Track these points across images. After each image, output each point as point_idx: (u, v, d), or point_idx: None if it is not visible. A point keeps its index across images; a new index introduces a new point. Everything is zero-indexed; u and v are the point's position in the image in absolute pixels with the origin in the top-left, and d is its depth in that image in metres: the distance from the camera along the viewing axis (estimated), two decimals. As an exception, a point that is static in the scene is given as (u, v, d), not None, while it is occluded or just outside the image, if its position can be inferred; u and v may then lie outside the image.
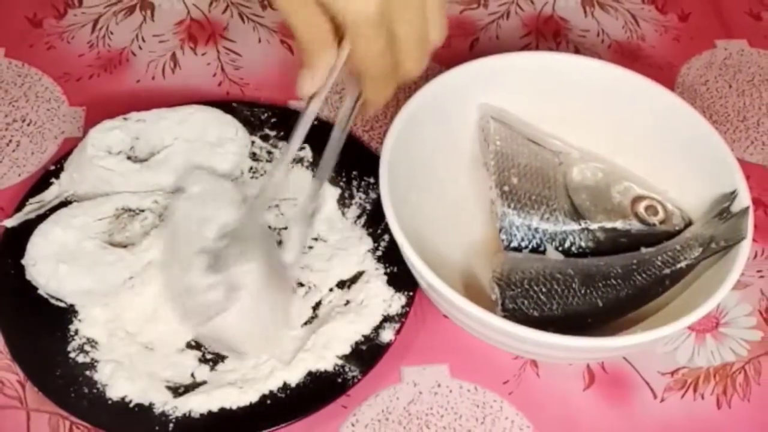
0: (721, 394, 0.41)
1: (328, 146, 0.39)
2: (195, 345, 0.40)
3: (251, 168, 0.46)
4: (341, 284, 0.42)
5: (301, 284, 0.42)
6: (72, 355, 0.39)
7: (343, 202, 0.45)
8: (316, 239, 0.44)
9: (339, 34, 0.34)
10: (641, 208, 0.43)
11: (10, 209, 0.43)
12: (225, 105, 0.47)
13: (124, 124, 0.44)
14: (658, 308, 0.40)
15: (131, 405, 0.37)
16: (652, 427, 0.40)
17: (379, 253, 0.43)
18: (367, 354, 0.39)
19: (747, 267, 0.38)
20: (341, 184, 0.46)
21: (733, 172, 0.41)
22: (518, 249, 0.42)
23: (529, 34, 0.56)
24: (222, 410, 0.37)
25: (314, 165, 0.46)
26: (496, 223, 0.43)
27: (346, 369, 0.39)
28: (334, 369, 0.39)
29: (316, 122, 0.48)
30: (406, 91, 0.51)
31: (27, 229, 0.41)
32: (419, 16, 0.34)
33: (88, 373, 0.38)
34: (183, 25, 0.55)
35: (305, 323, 0.41)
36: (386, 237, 0.43)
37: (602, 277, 0.40)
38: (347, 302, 0.41)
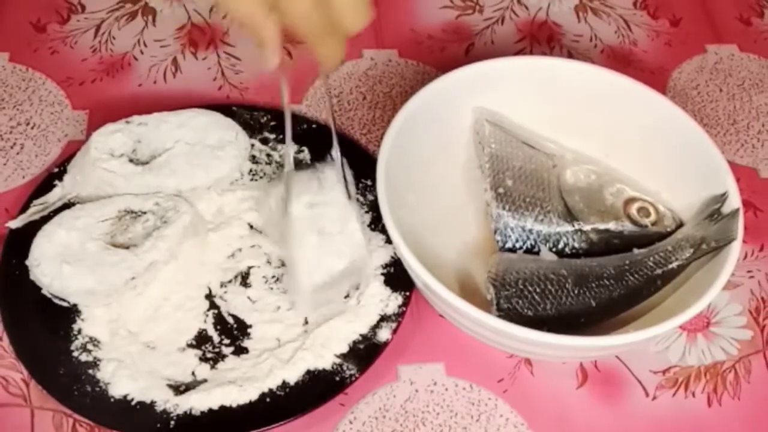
0: (712, 392, 0.42)
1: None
2: (196, 344, 0.41)
3: (251, 170, 0.47)
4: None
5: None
6: (75, 353, 0.39)
7: (341, 204, 0.46)
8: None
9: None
10: (633, 209, 0.44)
11: (15, 211, 0.44)
12: (225, 108, 0.48)
13: (127, 128, 0.45)
14: (650, 308, 0.41)
15: (133, 403, 0.38)
16: (644, 425, 0.40)
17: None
18: (365, 353, 0.40)
19: (737, 267, 0.39)
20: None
21: (724, 174, 0.42)
22: (513, 250, 0.43)
23: (524, 39, 0.57)
24: (222, 408, 0.38)
25: (312, 167, 0.47)
26: (491, 224, 0.43)
27: (344, 368, 0.39)
28: (332, 368, 0.39)
29: (314, 125, 0.49)
30: (403, 95, 0.52)
31: (31, 230, 0.41)
32: None
33: (90, 371, 0.39)
34: (184, 30, 0.55)
35: (305, 322, 0.42)
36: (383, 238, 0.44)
37: (595, 277, 0.41)
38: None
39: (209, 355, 0.40)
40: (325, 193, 0.41)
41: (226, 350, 0.41)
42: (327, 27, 0.34)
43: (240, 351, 0.40)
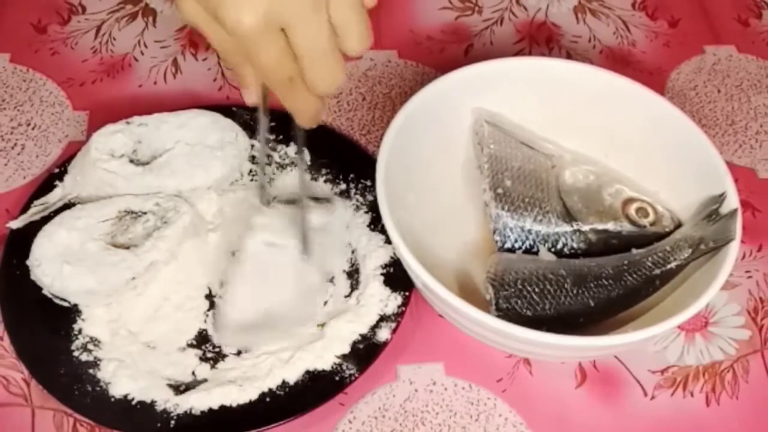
0: (710, 391, 0.42)
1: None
2: (196, 344, 0.41)
3: (251, 171, 0.47)
4: (339, 284, 0.43)
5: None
6: (76, 353, 0.39)
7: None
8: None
9: None
10: (632, 209, 0.44)
11: (16, 211, 0.44)
12: (225, 109, 0.48)
13: (127, 128, 0.45)
14: (648, 308, 0.41)
15: (134, 402, 0.38)
16: (643, 424, 0.41)
17: (376, 253, 0.44)
18: (364, 353, 0.40)
19: (735, 268, 0.39)
20: (339, 186, 0.47)
21: (722, 174, 0.42)
22: (512, 250, 0.43)
23: (523, 39, 0.57)
24: (222, 408, 0.38)
25: (312, 168, 0.47)
26: (490, 224, 0.43)
27: (344, 367, 0.39)
28: (332, 367, 0.39)
29: (314, 126, 0.49)
30: (402, 96, 0.53)
31: (32, 230, 0.41)
32: (316, 26, 0.30)
33: (91, 371, 0.39)
34: (184, 32, 0.55)
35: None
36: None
37: (594, 277, 0.41)
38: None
39: (209, 355, 0.40)
40: (287, 238, 0.41)
41: (226, 350, 0.41)
42: (297, 82, 0.32)
43: (240, 351, 0.41)
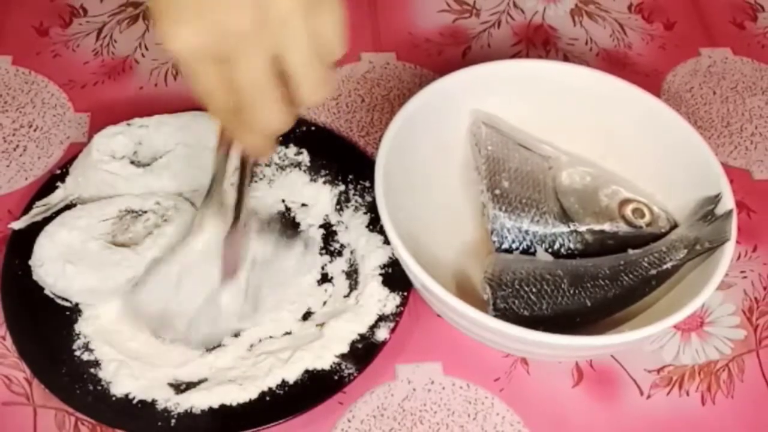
0: (706, 390, 0.42)
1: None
2: (196, 344, 0.41)
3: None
4: (338, 284, 0.44)
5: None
6: (77, 353, 0.40)
7: (340, 205, 0.47)
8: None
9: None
10: (628, 210, 0.44)
11: (18, 212, 0.44)
12: (225, 111, 0.48)
13: (128, 130, 0.46)
14: (644, 308, 0.41)
15: (135, 401, 0.38)
16: (639, 423, 0.41)
17: (374, 254, 0.44)
18: (363, 352, 0.40)
19: (731, 268, 0.39)
20: (338, 187, 0.47)
21: (717, 175, 0.42)
22: (509, 250, 0.43)
23: (520, 42, 0.57)
24: (222, 406, 0.38)
25: (311, 169, 0.48)
26: (487, 225, 0.44)
27: (343, 367, 0.40)
28: (331, 367, 0.40)
29: (313, 128, 0.50)
30: (400, 97, 0.53)
31: (34, 231, 0.42)
32: (256, 63, 0.28)
33: (92, 370, 0.39)
34: (184, 34, 0.56)
35: (305, 319, 0.42)
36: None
37: (590, 277, 0.41)
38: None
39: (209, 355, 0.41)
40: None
41: (226, 349, 0.41)
42: (243, 117, 0.30)
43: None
